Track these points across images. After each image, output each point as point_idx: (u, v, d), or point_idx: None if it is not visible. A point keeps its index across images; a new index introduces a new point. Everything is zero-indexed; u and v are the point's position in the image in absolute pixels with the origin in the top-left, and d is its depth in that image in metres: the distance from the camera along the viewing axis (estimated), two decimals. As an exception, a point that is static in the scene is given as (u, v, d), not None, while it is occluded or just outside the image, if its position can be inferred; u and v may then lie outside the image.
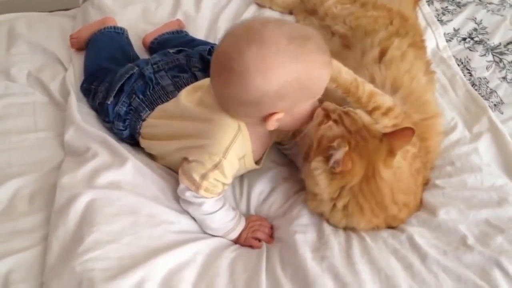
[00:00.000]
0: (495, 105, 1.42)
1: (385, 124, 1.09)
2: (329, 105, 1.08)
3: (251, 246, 1.12)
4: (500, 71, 1.52)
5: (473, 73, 1.52)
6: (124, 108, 1.24)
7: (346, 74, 1.15)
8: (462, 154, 1.24)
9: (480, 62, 1.55)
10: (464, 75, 1.50)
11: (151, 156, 1.25)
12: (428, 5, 1.74)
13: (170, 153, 1.17)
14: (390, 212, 1.07)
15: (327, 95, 1.14)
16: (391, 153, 1.02)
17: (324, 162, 1.03)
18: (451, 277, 0.97)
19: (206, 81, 1.15)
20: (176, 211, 1.12)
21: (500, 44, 1.60)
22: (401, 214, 1.09)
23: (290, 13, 1.74)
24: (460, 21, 1.69)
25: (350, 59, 1.32)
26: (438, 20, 1.68)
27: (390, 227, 1.10)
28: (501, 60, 1.55)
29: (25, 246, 1.04)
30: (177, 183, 1.13)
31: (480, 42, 1.61)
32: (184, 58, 1.33)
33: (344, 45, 1.43)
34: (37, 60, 1.54)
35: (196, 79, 1.27)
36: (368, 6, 1.48)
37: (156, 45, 1.56)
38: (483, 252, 1.01)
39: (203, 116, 1.08)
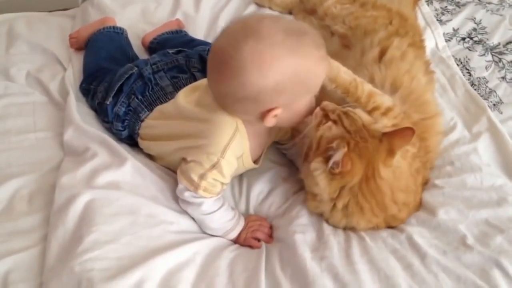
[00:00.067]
0: (494, 104, 1.42)
1: (385, 124, 1.09)
2: (328, 105, 1.08)
3: (250, 246, 1.12)
4: (499, 71, 1.52)
5: (472, 73, 1.52)
6: (123, 109, 1.24)
7: (345, 74, 1.15)
8: (462, 154, 1.24)
9: (479, 62, 1.55)
10: (464, 75, 1.50)
11: (150, 157, 1.25)
12: (428, 5, 1.74)
13: (169, 153, 1.17)
14: (390, 212, 1.07)
15: (326, 95, 1.15)
16: (391, 152, 1.02)
17: (324, 163, 1.03)
18: (451, 277, 0.97)
19: (204, 81, 1.14)
20: (175, 211, 1.12)
21: (499, 44, 1.60)
22: (401, 214, 1.09)
23: (290, 13, 1.74)
24: (460, 21, 1.69)
25: (350, 59, 1.32)
26: (437, 20, 1.68)
27: (390, 227, 1.10)
28: (500, 60, 1.55)
29: (25, 246, 1.04)
30: (176, 183, 1.13)
31: (479, 42, 1.61)
32: (183, 58, 1.33)
33: (344, 45, 1.43)
34: (36, 60, 1.54)
35: (195, 80, 1.27)
36: (367, 6, 1.48)
37: (156, 45, 1.56)
38: (483, 252, 1.01)
39: (201, 116, 1.08)
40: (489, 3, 1.74)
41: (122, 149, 1.20)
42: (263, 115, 1.01)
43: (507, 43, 1.60)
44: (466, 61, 1.56)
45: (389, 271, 0.98)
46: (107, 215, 1.03)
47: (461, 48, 1.61)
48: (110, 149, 1.19)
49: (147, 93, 1.24)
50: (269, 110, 0.99)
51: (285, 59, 0.94)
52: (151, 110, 1.21)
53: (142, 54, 1.56)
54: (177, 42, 1.51)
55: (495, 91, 1.46)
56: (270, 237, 1.14)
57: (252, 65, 0.93)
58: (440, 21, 1.68)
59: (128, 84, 1.26)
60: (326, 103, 1.08)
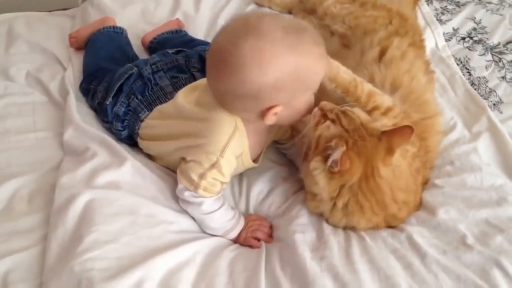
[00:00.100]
0: (494, 104, 1.42)
1: (385, 123, 1.09)
2: (326, 104, 1.08)
3: (250, 246, 1.12)
4: (499, 70, 1.52)
5: (472, 72, 1.52)
6: (123, 109, 1.24)
7: (344, 73, 1.15)
8: (462, 153, 1.24)
9: (479, 61, 1.55)
10: (464, 75, 1.50)
11: (150, 157, 1.25)
12: (428, 4, 1.74)
13: (168, 153, 1.17)
14: (390, 211, 1.07)
15: (326, 95, 1.15)
16: (390, 151, 1.02)
17: (323, 162, 1.03)
18: (451, 277, 0.97)
19: (203, 81, 1.14)
20: (175, 211, 1.12)
21: (499, 43, 1.60)
22: (401, 213, 1.09)
23: (289, 12, 1.74)
24: (459, 20, 1.69)
25: (350, 58, 1.32)
26: (437, 19, 1.68)
27: (390, 226, 1.10)
28: (500, 59, 1.55)
29: (24, 246, 1.04)
30: (175, 183, 1.13)
31: (479, 41, 1.61)
32: (183, 58, 1.33)
33: (344, 44, 1.43)
34: (36, 60, 1.54)
35: (195, 80, 1.27)
36: (367, 5, 1.48)
37: (156, 45, 1.56)
38: (483, 251, 1.01)
39: (200, 115, 1.08)
40: (489, 2, 1.74)
41: (122, 149, 1.20)
42: (263, 113, 1.01)
43: (507, 43, 1.60)
44: (466, 61, 1.56)
45: (389, 271, 0.98)
46: (107, 215, 1.03)
47: (461, 47, 1.61)
48: (110, 149, 1.19)
49: (147, 93, 1.24)
50: (269, 108, 0.99)
51: (284, 57, 0.94)
52: (150, 110, 1.21)
53: (142, 54, 1.56)
54: (177, 42, 1.51)
55: (495, 91, 1.46)
56: (270, 236, 1.14)
57: (252, 63, 0.92)
58: (440, 20, 1.68)
59: (128, 84, 1.26)
60: (324, 103, 1.08)
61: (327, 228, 1.09)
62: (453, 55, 1.57)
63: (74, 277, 0.93)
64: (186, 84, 1.23)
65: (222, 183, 1.09)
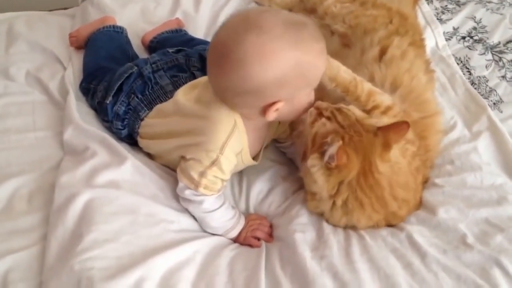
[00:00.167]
0: (494, 103, 1.42)
1: (384, 123, 1.09)
2: (322, 103, 1.08)
3: (250, 245, 1.12)
4: (499, 70, 1.52)
5: (472, 72, 1.52)
6: (123, 108, 1.24)
7: (345, 73, 1.15)
8: (462, 153, 1.24)
9: (479, 61, 1.55)
10: (464, 74, 1.50)
11: (150, 156, 1.25)
12: (428, 4, 1.74)
13: (168, 151, 1.17)
14: (390, 208, 1.07)
15: (326, 94, 1.15)
16: (387, 146, 1.02)
17: (320, 159, 1.03)
18: (451, 276, 0.97)
19: (203, 79, 1.14)
20: (175, 210, 1.12)
21: (499, 43, 1.60)
22: (401, 211, 1.09)
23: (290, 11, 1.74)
24: (460, 20, 1.69)
25: (350, 58, 1.32)
26: (437, 19, 1.68)
27: (390, 225, 1.10)
28: (500, 59, 1.55)
29: (24, 245, 1.04)
30: (176, 182, 1.13)
31: (479, 41, 1.61)
32: (183, 57, 1.33)
33: (344, 44, 1.42)
34: (36, 59, 1.54)
35: (195, 79, 1.26)
36: (367, 5, 1.48)
37: (156, 44, 1.56)
38: (483, 251, 1.01)
39: (200, 113, 1.08)
40: (489, 2, 1.73)
41: (122, 148, 1.20)
42: (264, 109, 1.00)
43: (507, 42, 1.60)
44: (466, 60, 1.56)
45: (389, 270, 0.98)
46: (107, 214, 1.03)
47: (461, 47, 1.60)
48: (109, 148, 1.19)
49: (147, 92, 1.24)
50: (271, 104, 0.99)
51: (285, 52, 0.93)
52: (150, 109, 1.21)
53: (142, 53, 1.56)
54: (177, 41, 1.51)
55: (495, 90, 1.46)
56: (270, 236, 1.14)
57: (253, 58, 0.92)
58: (440, 20, 1.68)
59: (128, 83, 1.26)
60: (319, 102, 1.09)
61: (327, 227, 1.09)
62: (453, 55, 1.57)
63: (74, 276, 0.93)
64: (186, 83, 1.22)
65: (222, 180, 1.09)
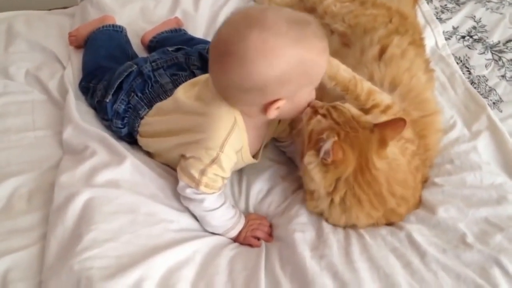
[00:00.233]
0: (494, 103, 1.42)
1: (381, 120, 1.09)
2: (317, 102, 1.09)
3: (250, 245, 1.12)
4: (499, 69, 1.52)
5: (472, 71, 1.52)
6: (123, 106, 1.24)
7: (344, 71, 1.15)
8: (461, 152, 1.24)
9: (479, 60, 1.55)
10: (463, 73, 1.50)
11: (149, 154, 1.25)
12: (427, 3, 1.74)
13: (167, 150, 1.17)
14: (389, 205, 1.06)
15: (326, 93, 1.15)
16: (383, 143, 1.02)
17: (316, 156, 1.03)
18: (451, 275, 0.97)
19: (203, 77, 1.14)
20: (175, 209, 1.12)
21: (499, 42, 1.60)
22: (400, 209, 1.09)
23: (289, 11, 1.74)
24: (459, 19, 1.69)
25: (350, 57, 1.32)
26: (437, 18, 1.68)
27: (389, 223, 1.10)
28: (500, 58, 1.55)
29: (24, 245, 1.04)
30: (176, 181, 1.13)
31: (479, 40, 1.61)
32: (183, 56, 1.33)
33: (343, 43, 1.42)
34: (35, 59, 1.53)
35: (195, 77, 1.26)
36: (367, 4, 1.48)
37: (155, 44, 1.56)
38: (483, 250, 1.01)
39: (200, 110, 1.07)
40: (489, 1, 1.73)
41: (121, 147, 1.20)
42: (265, 107, 1.00)
43: (507, 42, 1.60)
44: (466, 60, 1.56)
45: (389, 269, 0.98)
46: (107, 214, 1.03)
47: (461, 46, 1.60)
48: (109, 148, 1.19)
49: (147, 91, 1.24)
50: (272, 102, 0.99)
51: (289, 49, 0.93)
52: (150, 107, 1.21)
53: (141, 53, 1.56)
54: (176, 40, 1.51)
55: (495, 90, 1.46)
56: (270, 236, 1.14)
57: (257, 54, 0.92)
58: (440, 19, 1.68)
59: (128, 82, 1.26)
60: (315, 101, 1.09)
61: (327, 227, 1.09)
62: (453, 54, 1.57)
63: (74, 276, 0.93)
64: (186, 81, 1.22)
65: (223, 178, 1.09)
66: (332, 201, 1.06)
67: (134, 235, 1.02)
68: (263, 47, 0.91)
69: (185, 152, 1.08)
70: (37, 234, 1.06)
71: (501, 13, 1.69)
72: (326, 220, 1.11)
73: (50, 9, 1.88)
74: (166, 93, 1.22)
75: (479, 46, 1.59)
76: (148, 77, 1.25)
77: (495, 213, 1.09)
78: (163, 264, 0.99)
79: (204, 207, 1.09)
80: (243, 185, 1.24)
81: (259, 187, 1.23)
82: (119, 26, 1.56)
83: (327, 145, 0.99)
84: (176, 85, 1.23)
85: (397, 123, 1.02)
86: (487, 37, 1.62)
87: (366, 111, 1.10)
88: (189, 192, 1.09)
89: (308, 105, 1.07)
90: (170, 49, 1.36)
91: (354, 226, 1.09)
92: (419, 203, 1.14)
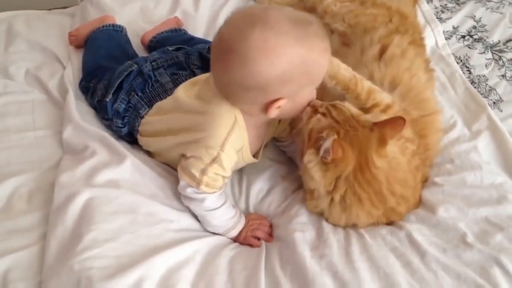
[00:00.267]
0: (494, 103, 1.42)
1: (381, 119, 1.09)
2: (317, 101, 1.09)
3: (250, 245, 1.12)
4: (499, 69, 1.52)
5: (472, 71, 1.52)
6: (123, 106, 1.24)
7: (345, 71, 1.15)
8: (462, 152, 1.24)
9: (479, 60, 1.55)
10: (463, 73, 1.50)
11: (150, 154, 1.25)
12: (427, 3, 1.74)
13: (168, 149, 1.17)
14: (389, 204, 1.06)
15: (327, 93, 1.15)
16: (382, 142, 1.02)
17: (316, 154, 1.03)
18: (451, 275, 0.97)
19: (203, 76, 1.14)
20: (175, 209, 1.12)
21: (499, 41, 1.60)
22: (400, 208, 1.09)
23: (289, 11, 1.74)
24: (459, 19, 1.69)
25: (350, 57, 1.32)
26: (437, 18, 1.68)
27: (389, 223, 1.10)
28: (500, 58, 1.55)
29: (24, 245, 1.04)
30: (176, 180, 1.12)
31: (479, 40, 1.61)
32: (183, 55, 1.33)
33: (344, 43, 1.42)
34: (35, 58, 1.54)
35: (195, 77, 1.26)
36: (367, 4, 1.48)
37: (155, 43, 1.56)
38: (483, 250, 1.01)
39: (200, 108, 1.07)
40: (489, 1, 1.73)
41: (122, 147, 1.20)
42: (267, 106, 1.00)
43: (507, 41, 1.60)
44: (466, 59, 1.56)
45: (389, 269, 0.98)
46: (107, 214, 1.03)
47: (461, 46, 1.60)
48: (109, 147, 1.19)
49: (147, 90, 1.24)
50: (274, 101, 0.99)
51: (291, 49, 0.93)
52: (151, 106, 1.21)
53: (141, 53, 1.56)
54: (176, 40, 1.50)
55: (495, 89, 1.46)
56: (270, 236, 1.14)
57: (258, 53, 0.91)
58: (440, 19, 1.68)
59: (128, 81, 1.26)
60: (315, 101, 1.09)
61: (327, 227, 1.09)
62: (453, 53, 1.57)
63: (74, 276, 0.93)
64: (186, 81, 1.22)
65: (223, 177, 1.09)
66: (332, 200, 1.06)
67: (134, 235, 1.02)
68: (265, 46, 0.91)
69: (185, 151, 1.08)
70: (37, 234, 1.06)
71: (501, 13, 1.69)
72: (326, 220, 1.11)
73: (50, 9, 1.88)
74: (166, 92, 1.22)
75: (479, 46, 1.59)
76: (148, 77, 1.25)
77: (495, 212, 1.08)
78: (163, 264, 0.99)
79: (205, 206, 1.09)
80: (243, 185, 1.24)
81: (259, 186, 1.23)
82: (119, 26, 1.56)
83: (327, 144, 0.99)
84: (176, 84, 1.23)
85: (397, 121, 1.02)
86: (487, 37, 1.62)
87: (366, 110, 1.11)
88: (189, 191, 1.08)
89: (308, 104, 1.07)
90: (170, 48, 1.36)
91: (354, 226, 1.09)
92: (419, 202, 1.14)
